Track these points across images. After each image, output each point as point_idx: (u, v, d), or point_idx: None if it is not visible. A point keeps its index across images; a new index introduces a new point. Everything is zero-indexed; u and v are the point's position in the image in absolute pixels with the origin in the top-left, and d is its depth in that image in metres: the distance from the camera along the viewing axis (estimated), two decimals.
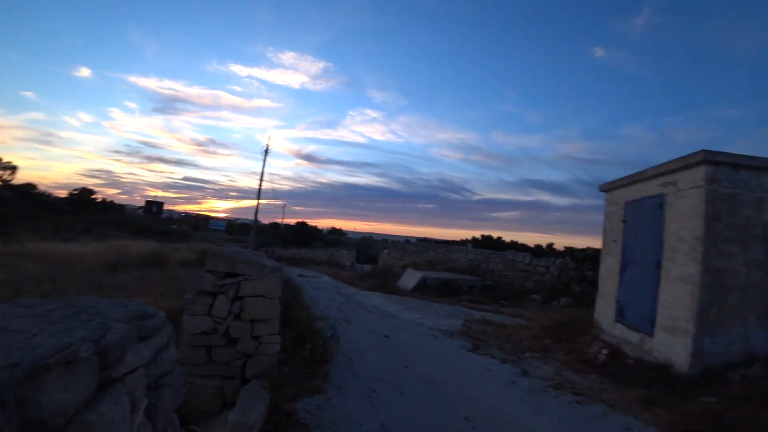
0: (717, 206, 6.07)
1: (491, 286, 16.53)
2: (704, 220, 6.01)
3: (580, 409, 5.02)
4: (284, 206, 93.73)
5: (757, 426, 4.32)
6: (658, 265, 6.83)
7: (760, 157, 6.31)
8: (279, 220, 78.44)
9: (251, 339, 5.13)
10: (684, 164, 6.52)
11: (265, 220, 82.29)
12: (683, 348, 6.06)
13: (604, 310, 8.55)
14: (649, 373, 6.15)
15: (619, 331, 7.76)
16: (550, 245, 36.38)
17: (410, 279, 16.32)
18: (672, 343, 6.30)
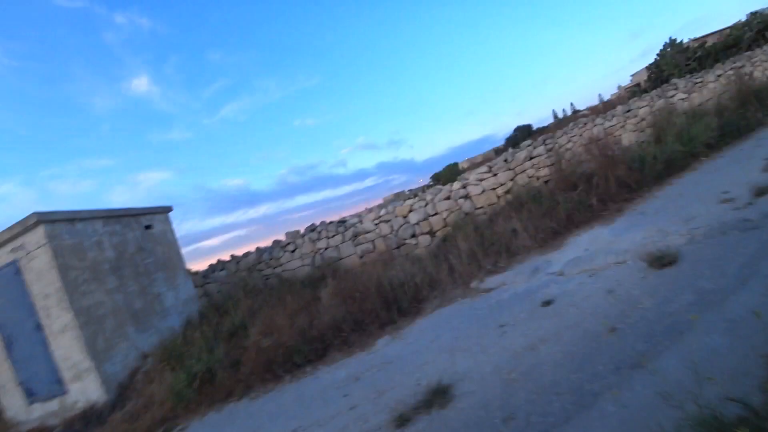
0: (65, 257, 7.13)
1: None
2: (58, 272, 6.94)
3: None
4: None
5: (152, 397, 6.06)
6: (39, 327, 7.22)
7: (87, 210, 7.86)
8: None
9: None
10: (23, 228, 7.04)
11: None
12: (94, 383, 6.96)
13: (12, 401, 7.94)
14: (79, 425, 6.64)
15: (38, 411, 7.57)
16: None
17: None
18: (85, 386, 7.04)
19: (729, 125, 9.11)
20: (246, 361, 5.87)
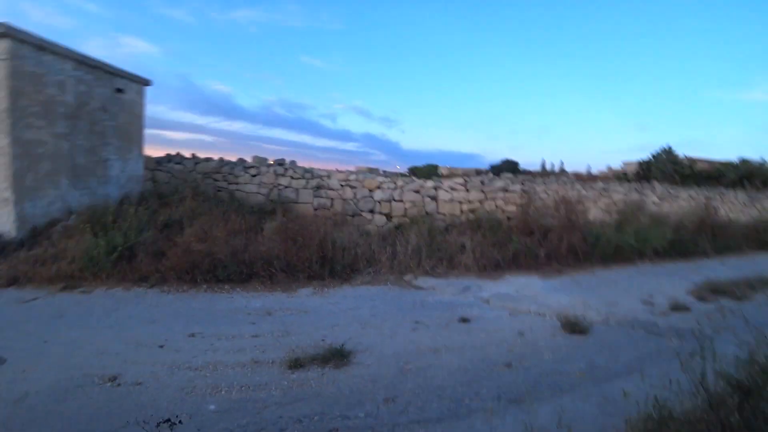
0: (22, 82, 6.65)
1: None
2: (9, 93, 6.47)
3: None
4: None
5: (64, 252, 5.87)
6: None
7: (62, 45, 7.32)
8: None
9: None
10: None
11: None
12: (8, 216, 6.62)
13: None
14: None
15: None
16: None
17: None
18: None
19: (680, 243, 9.86)
20: (171, 256, 5.80)
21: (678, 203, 12.73)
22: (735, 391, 2.73)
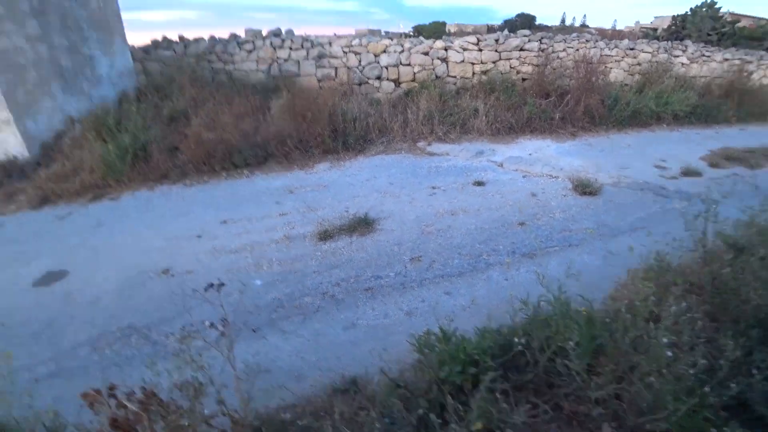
0: None
1: None
2: None
3: None
4: None
5: (81, 163, 5.87)
6: None
7: None
8: None
9: None
10: None
11: None
12: (14, 137, 6.30)
13: None
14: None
15: None
16: None
17: None
18: (4, 139, 6.22)
19: (703, 108, 9.23)
20: (184, 149, 5.82)
21: (710, 66, 11.55)
22: (730, 249, 2.92)
